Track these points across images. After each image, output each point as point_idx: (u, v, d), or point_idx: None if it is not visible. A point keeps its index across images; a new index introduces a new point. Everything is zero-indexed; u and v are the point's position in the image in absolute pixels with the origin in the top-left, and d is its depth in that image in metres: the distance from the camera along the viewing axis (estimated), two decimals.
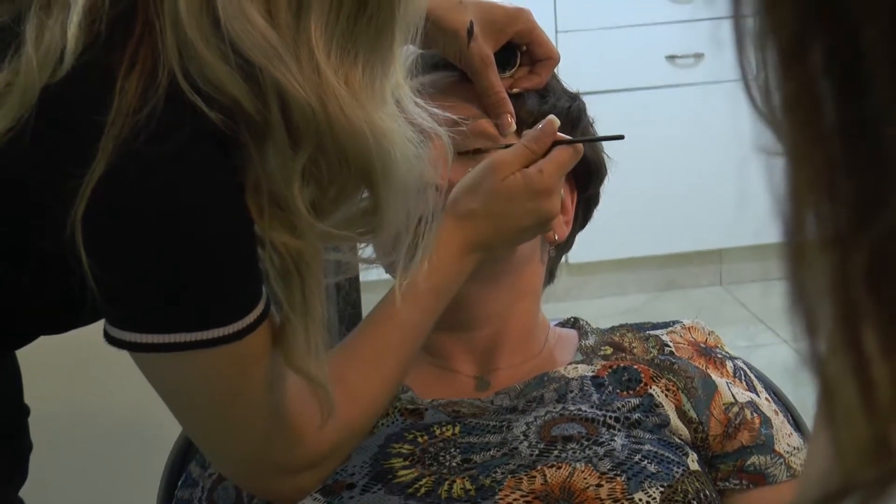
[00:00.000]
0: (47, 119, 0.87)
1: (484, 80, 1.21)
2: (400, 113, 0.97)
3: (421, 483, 1.13)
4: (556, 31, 3.84)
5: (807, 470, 0.53)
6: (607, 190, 1.32)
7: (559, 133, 1.15)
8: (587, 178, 1.29)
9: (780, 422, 1.25)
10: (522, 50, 1.26)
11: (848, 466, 0.42)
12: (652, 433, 1.17)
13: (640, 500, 1.09)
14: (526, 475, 1.12)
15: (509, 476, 1.12)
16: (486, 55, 1.21)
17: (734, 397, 1.23)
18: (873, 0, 0.40)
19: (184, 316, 0.92)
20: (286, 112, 0.89)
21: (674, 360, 1.25)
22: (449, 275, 1.12)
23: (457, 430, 1.18)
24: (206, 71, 0.87)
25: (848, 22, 0.40)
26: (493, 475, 1.12)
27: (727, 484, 1.20)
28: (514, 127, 1.23)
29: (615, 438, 1.15)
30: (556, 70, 1.29)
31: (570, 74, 1.32)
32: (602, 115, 1.33)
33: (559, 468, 1.12)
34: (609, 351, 1.28)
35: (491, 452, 1.15)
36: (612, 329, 1.33)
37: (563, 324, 1.37)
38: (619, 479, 1.11)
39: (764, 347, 3.62)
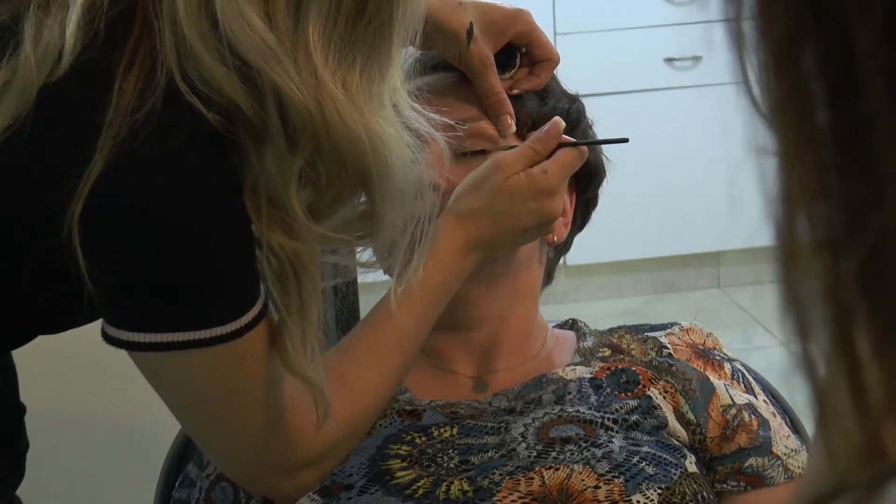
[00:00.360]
0: (45, 118, 0.87)
1: (484, 82, 1.21)
2: (397, 117, 0.97)
3: (419, 484, 1.13)
4: (555, 34, 3.85)
5: (806, 472, 0.54)
6: (605, 192, 1.33)
7: (564, 135, 1.15)
8: (586, 180, 1.29)
9: (777, 424, 1.25)
10: (522, 51, 1.27)
11: (840, 468, 0.42)
12: (650, 435, 1.17)
13: (638, 501, 1.09)
14: (524, 476, 1.12)
15: (507, 477, 1.12)
16: (486, 56, 1.21)
17: (732, 399, 1.23)
18: (865, 2, 0.40)
19: (182, 315, 0.92)
20: (284, 115, 0.90)
21: (672, 362, 1.25)
22: (449, 273, 1.12)
23: (455, 431, 1.18)
24: (203, 72, 0.87)
25: (840, 24, 0.40)
26: (491, 476, 1.12)
27: (725, 486, 1.20)
28: (513, 128, 1.23)
29: (613, 440, 1.15)
30: (554, 72, 1.29)
31: (569, 76, 1.32)
32: (600, 118, 1.33)
33: (557, 470, 1.12)
34: (607, 353, 1.28)
35: (489, 454, 1.15)
36: (611, 331, 1.33)
37: (562, 325, 1.37)
38: (616, 480, 1.11)
39: (762, 350, 3.62)
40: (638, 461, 1.13)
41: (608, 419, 1.18)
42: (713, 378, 1.25)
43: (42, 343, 1.07)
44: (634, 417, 1.18)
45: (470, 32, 1.19)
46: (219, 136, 0.89)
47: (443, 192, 1.15)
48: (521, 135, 1.25)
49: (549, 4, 3.85)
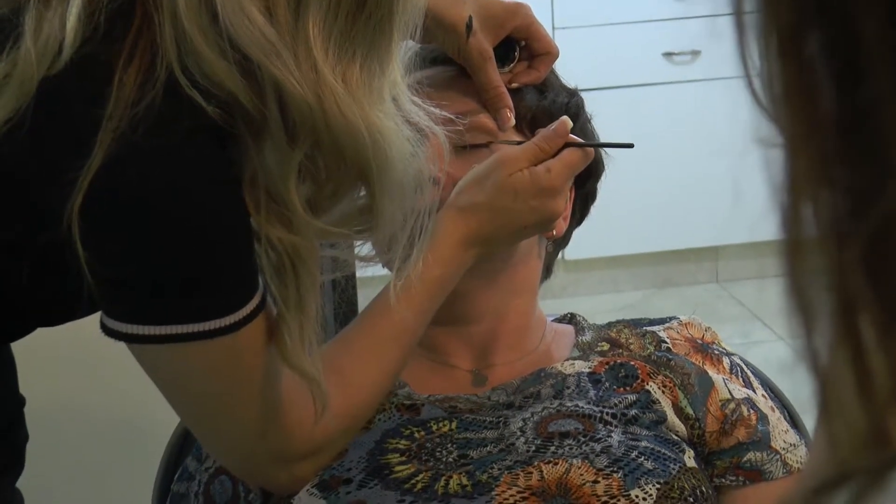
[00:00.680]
0: (45, 111, 0.87)
1: (483, 75, 1.21)
2: (397, 111, 0.97)
3: (418, 479, 1.13)
4: (554, 28, 3.85)
5: (808, 462, 0.54)
6: (604, 186, 1.32)
7: (571, 135, 1.15)
8: (585, 175, 1.29)
9: (776, 418, 1.25)
10: (521, 45, 1.26)
11: (843, 456, 0.42)
12: (649, 430, 1.17)
13: (637, 496, 1.09)
14: (522, 471, 1.12)
15: (506, 472, 1.12)
16: (485, 50, 1.21)
17: (731, 394, 1.23)
18: None
19: (180, 308, 0.92)
20: (283, 108, 0.90)
21: (671, 357, 1.25)
22: (448, 267, 1.13)
23: (453, 425, 1.18)
24: (203, 66, 0.87)
25: (845, 11, 0.40)
26: (490, 471, 1.12)
27: (724, 480, 1.20)
28: (512, 121, 1.23)
29: (612, 435, 1.15)
30: (553, 66, 1.29)
31: (567, 71, 1.32)
32: (599, 112, 1.33)
33: (556, 464, 1.12)
34: (606, 347, 1.28)
35: (487, 448, 1.15)
36: (609, 325, 1.33)
37: (560, 319, 1.37)
38: (615, 475, 1.11)
39: (760, 344, 3.62)
40: (636, 456, 1.13)
41: (607, 414, 1.18)
42: (712, 372, 1.25)
43: (41, 336, 1.07)
44: (633, 412, 1.18)
45: (469, 26, 1.19)
46: (218, 130, 0.89)
47: (442, 186, 1.15)
48: (521, 128, 1.25)
49: None
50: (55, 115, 0.88)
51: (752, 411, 1.23)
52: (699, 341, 1.30)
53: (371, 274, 1.23)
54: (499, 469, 1.12)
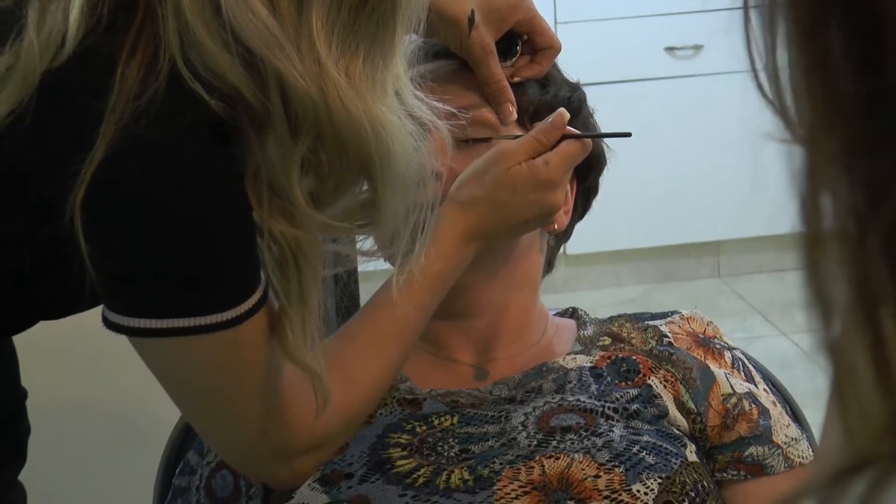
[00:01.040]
0: (48, 104, 0.87)
1: (485, 69, 1.21)
2: (400, 105, 0.97)
3: (419, 473, 1.13)
4: (556, 22, 3.84)
5: (819, 453, 0.53)
6: (606, 181, 1.32)
7: (569, 127, 1.15)
8: (586, 169, 1.29)
9: (778, 413, 1.24)
10: (523, 39, 1.26)
11: (860, 445, 0.42)
12: (650, 424, 1.17)
13: (638, 491, 1.09)
14: (524, 465, 1.12)
15: (507, 466, 1.12)
16: (487, 44, 1.21)
17: (732, 388, 1.23)
18: None
19: (182, 301, 0.92)
20: (286, 102, 0.90)
21: (672, 351, 1.25)
22: (449, 262, 1.12)
23: (455, 420, 1.18)
24: (206, 58, 0.87)
25: None
26: (492, 465, 1.12)
27: (725, 475, 1.20)
28: (514, 116, 1.23)
29: (613, 429, 1.15)
30: (556, 60, 1.29)
31: (569, 65, 1.32)
32: (601, 106, 1.33)
33: (557, 459, 1.12)
34: (608, 341, 1.28)
35: (489, 443, 1.15)
36: (611, 319, 1.33)
37: (562, 314, 1.37)
38: (617, 470, 1.11)
39: (761, 339, 3.62)
40: (638, 450, 1.13)
41: (608, 408, 1.18)
42: (714, 367, 1.25)
43: (43, 329, 1.07)
44: (635, 406, 1.18)
45: (471, 20, 1.19)
46: (221, 123, 0.89)
47: (444, 181, 1.15)
48: (522, 122, 1.25)
49: None
50: (58, 108, 0.88)
51: (753, 406, 1.23)
52: (701, 336, 1.30)
53: (373, 268, 1.23)
54: (500, 463, 1.12)
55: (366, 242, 1.16)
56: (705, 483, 1.15)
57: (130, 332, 0.94)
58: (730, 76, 3.76)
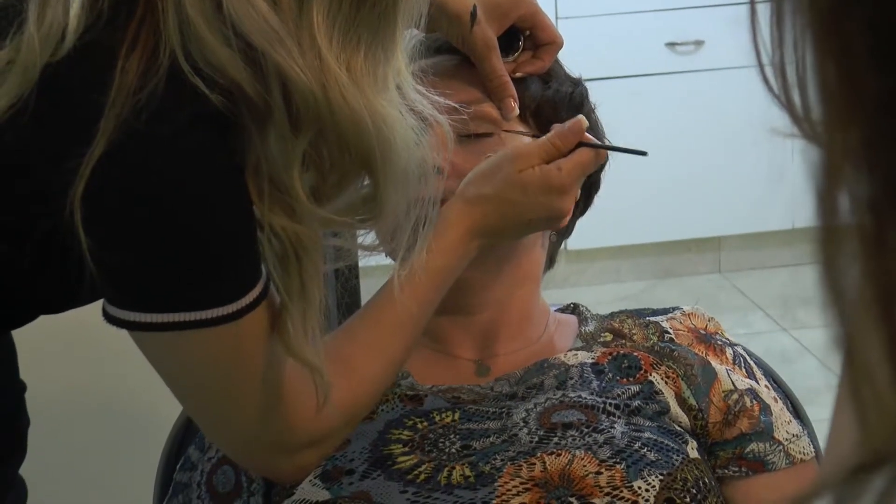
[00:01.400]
0: (48, 98, 0.87)
1: (487, 64, 1.21)
2: (401, 100, 0.97)
3: (420, 469, 1.13)
4: (557, 18, 3.84)
5: (834, 449, 0.53)
6: (607, 177, 1.32)
7: (587, 134, 1.15)
8: None
9: (779, 409, 1.24)
10: (525, 34, 1.26)
11: (878, 442, 0.42)
12: (652, 420, 1.17)
13: (640, 487, 1.09)
14: (525, 462, 1.12)
15: (509, 463, 1.12)
16: (490, 39, 1.20)
17: (734, 384, 1.23)
18: None
19: (182, 295, 0.92)
20: (287, 96, 0.89)
21: (674, 347, 1.25)
22: (453, 257, 1.12)
23: (456, 416, 1.18)
24: (207, 53, 0.87)
25: None
26: (493, 462, 1.12)
27: (726, 471, 1.20)
28: (516, 111, 1.22)
29: (615, 426, 1.15)
30: (557, 55, 1.28)
31: (571, 60, 1.32)
32: (602, 102, 1.33)
33: (559, 455, 1.12)
34: (609, 337, 1.28)
35: (490, 439, 1.15)
36: (612, 315, 1.33)
37: (563, 309, 1.37)
38: (618, 466, 1.11)
39: (762, 335, 3.62)
40: (639, 447, 1.13)
41: (610, 405, 1.18)
42: (715, 363, 1.25)
43: (43, 323, 1.07)
44: (636, 403, 1.18)
45: (473, 15, 1.19)
46: (221, 118, 0.89)
47: (446, 176, 1.14)
48: (524, 118, 1.24)
49: None
50: (58, 102, 0.88)
51: (754, 402, 1.23)
52: (702, 332, 1.30)
53: (374, 263, 1.23)
54: (502, 460, 1.12)
55: (367, 237, 1.15)
56: (707, 480, 1.15)
57: (131, 327, 0.94)
58: (731, 72, 3.76)
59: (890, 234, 0.41)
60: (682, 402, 1.21)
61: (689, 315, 1.32)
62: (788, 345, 3.53)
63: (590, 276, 4.11)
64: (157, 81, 0.86)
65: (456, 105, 1.07)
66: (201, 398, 1.03)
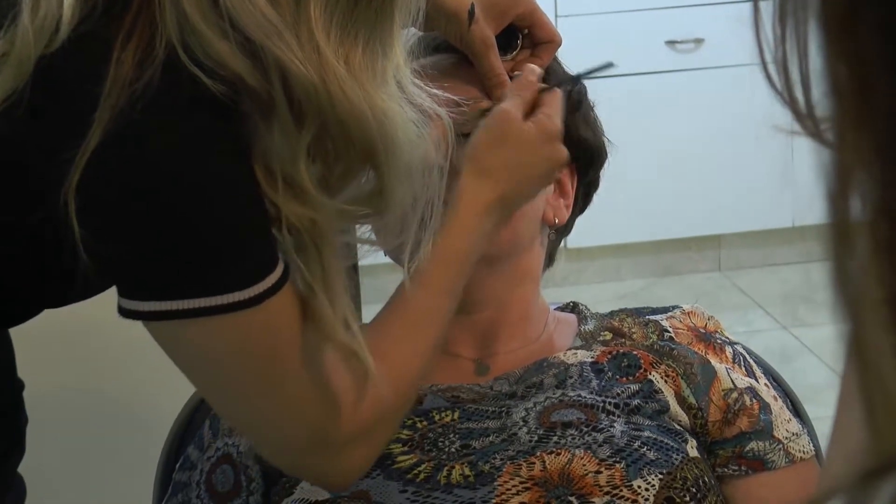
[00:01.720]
0: (43, 90, 0.87)
1: (485, 63, 1.21)
2: (401, 94, 0.96)
3: (420, 469, 1.13)
4: (556, 16, 3.84)
5: (833, 454, 0.53)
6: (606, 174, 1.32)
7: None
8: (587, 163, 1.29)
9: (779, 408, 1.24)
10: (524, 33, 1.26)
11: (890, 446, 0.41)
12: (651, 419, 1.17)
13: (639, 487, 1.09)
14: (525, 461, 1.12)
15: (508, 462, 1.12)
16: (488, 37, 1.20)
17: (733, 383, 1.23)
18: None
19: (198, 281, 0.90)
20: (289, 90, 0.89)
21: (673, 346, 1.25)
22: (474, 235, 1.10)
23: (456, 415, 1.18)
24: (205, 46, 0.87)
25: None
26: (492, 461, 1.12)
27: (726, 470, 1.20)
28: None
29: (614, 425, 1.15)
30: (556, 54, 1.28)
31: (570, 59, 1.31)
32: (601, 100, 1.33)
33: (558, 454, 1.12)
34: (608, 336, 1.28)
35: (490, 438, 1.15)
36: (612, 314, 1.33)
37: (563, 308, 1.37)
38: (618, 465, 1.11)
39: (762, 333, 3.62)
40: (639, 446, 1.12)
41: (609, 403, 1.17)
42: (714, 362, 1.25)
43: (42, 321, 1.06)
44: (636, 402, 1.18)
45: (471, 13, 1.19)
46: (221, 105, 0.88)
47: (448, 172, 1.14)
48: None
49: None
50: (53, 94, 0.88)
51: (754, 401, 1.23)
52: (702, 330, 1.30)
53: (373, 262, 1.23)
54: (501, 459, 1.12)
55: (371, 233, 1.14)
56: (706, 478, 1.14)
57: (147, 317, 0.91)
58: (731, 70, 3.75)
59: None
60: (681, 400, 1.21)
61: (688, 313, 1.32)
62: (788, 343, 3.53)
63: (589, 274, 4.11)
64: (152, 71, 0.86)
65: (455, 98, 1.06)
66: (232, 394, 0.99)
